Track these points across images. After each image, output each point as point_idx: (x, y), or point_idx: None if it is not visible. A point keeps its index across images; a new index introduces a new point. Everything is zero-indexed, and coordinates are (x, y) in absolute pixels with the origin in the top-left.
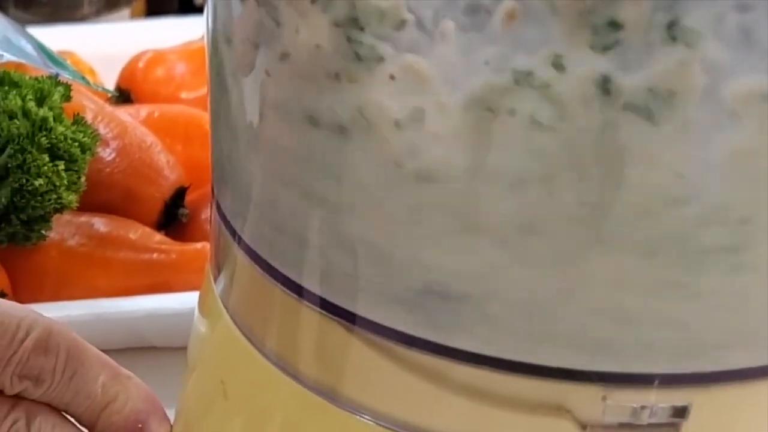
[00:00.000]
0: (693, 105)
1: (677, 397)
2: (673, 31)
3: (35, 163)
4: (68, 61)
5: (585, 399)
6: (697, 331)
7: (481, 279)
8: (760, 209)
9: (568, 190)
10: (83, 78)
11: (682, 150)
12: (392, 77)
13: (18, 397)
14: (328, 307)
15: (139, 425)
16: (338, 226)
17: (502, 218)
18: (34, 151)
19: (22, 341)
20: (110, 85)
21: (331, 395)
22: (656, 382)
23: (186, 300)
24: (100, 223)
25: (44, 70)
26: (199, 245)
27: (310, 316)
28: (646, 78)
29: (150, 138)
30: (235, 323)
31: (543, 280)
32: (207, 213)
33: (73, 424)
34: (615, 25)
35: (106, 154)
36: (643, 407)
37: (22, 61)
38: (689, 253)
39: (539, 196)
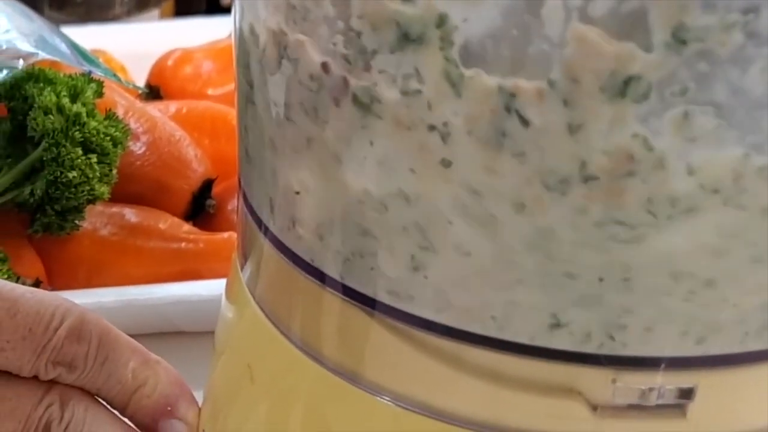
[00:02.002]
0: None
1: (684, 379)
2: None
3: (69, 157)
4: (100, 59)
5: (596, 381)
6: (703, 315)
7: (495, 269)
8: None
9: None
10: (115, 75)
11: None
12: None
13: (52, 382)
14: (349, 293)
15: (169, 408)
16: (359, 216)
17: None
18: (68, 144)
19: (57, 329)
20: (140, 82)
21: (353, 378)
22: (664, 365)
23: (213, 287)
24: (131, 214)
25: (78, 67)
26: (225, 235)
27: (333, 302)
28: None
29: (179, 132)
30: (261, 309)
31: (554, 270)
32: (233, 204)
33: (105, 406)
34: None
35: (137, 147)
36: (651, 389)
37: (57, 59)
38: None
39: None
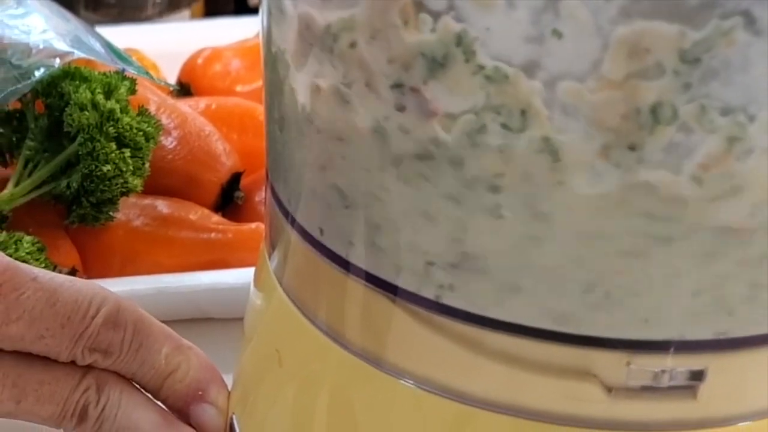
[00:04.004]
0: None
1: (694, 361)
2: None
3: (103, 151)
4: (133, 58)
5: (610, 364)
6: (713, 300)
7: (511, 256)
8: None
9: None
10: (147, 73)
11: None
12: None
13: (89, 367)
14: (372, 280)
15: (200, 392)
16: (381, 207)
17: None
18: (102, 139)
19: (93, 317)
20: (172, 79)
21: (376, 361)
22: (676, 348)
23: (242, 275)
24: (162, 205)
25: (112, 66)
26: (253, 225)
27: (357, 289)
28: None
29: (208, 127)
30: (289, 296)
31: (568, 258)
32: (260, 196)
33: (139, 390)
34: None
35: (168, 142)
36: (663, 371)
37: (92, 58)
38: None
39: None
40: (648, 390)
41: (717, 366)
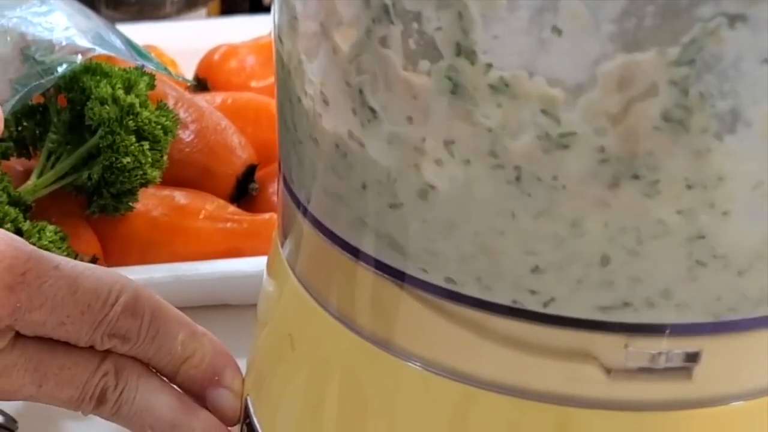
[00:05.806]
0: None
1: (690, 344)
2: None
3: (123, 144)
4: (152, 54)
5: (609, 347)
6: (709, 286)
7: (518, 248)
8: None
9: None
10: (166, 69)
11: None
12: None
13: (108, 352)
14: (381, 267)
15: (216, 378)
16: (390, 196)
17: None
18: (122, 132)
19: (113, 305)
20: (189, 75)
21: (385, 345)
22: (672, 331)
23: (256, 263)
24: (180, 196)
25: (131, 62)
26: (267, 215)
27: (366, 276)
28: None
29: (224, 121)
30: (301, 283)
31: (571, 247)
32: (274, 187)
33: (156, 375)
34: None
35: (186, 135)
36: (660, 353)
37: (112, 54)
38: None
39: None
40: (645, 371)
41: (712, 348)
